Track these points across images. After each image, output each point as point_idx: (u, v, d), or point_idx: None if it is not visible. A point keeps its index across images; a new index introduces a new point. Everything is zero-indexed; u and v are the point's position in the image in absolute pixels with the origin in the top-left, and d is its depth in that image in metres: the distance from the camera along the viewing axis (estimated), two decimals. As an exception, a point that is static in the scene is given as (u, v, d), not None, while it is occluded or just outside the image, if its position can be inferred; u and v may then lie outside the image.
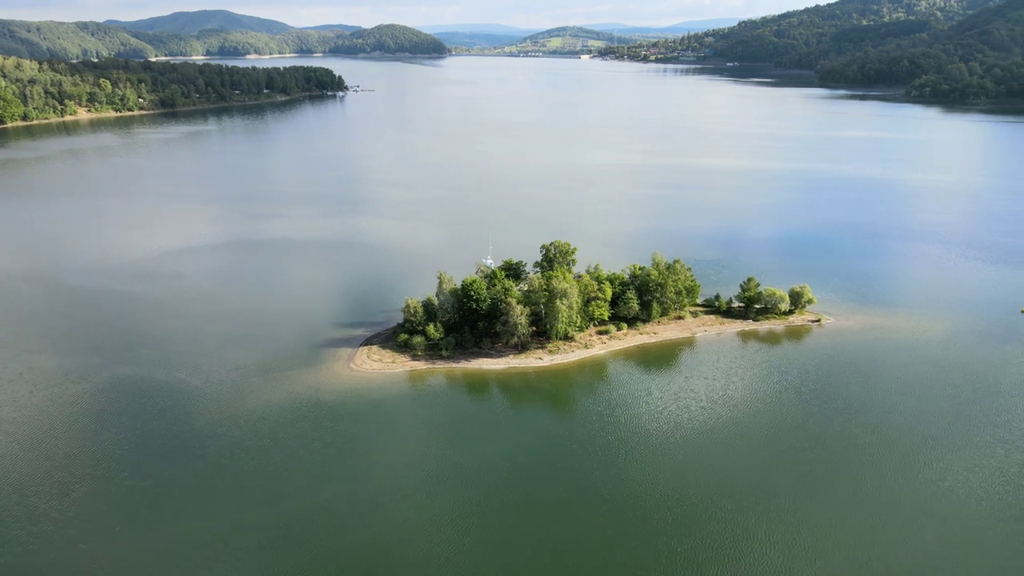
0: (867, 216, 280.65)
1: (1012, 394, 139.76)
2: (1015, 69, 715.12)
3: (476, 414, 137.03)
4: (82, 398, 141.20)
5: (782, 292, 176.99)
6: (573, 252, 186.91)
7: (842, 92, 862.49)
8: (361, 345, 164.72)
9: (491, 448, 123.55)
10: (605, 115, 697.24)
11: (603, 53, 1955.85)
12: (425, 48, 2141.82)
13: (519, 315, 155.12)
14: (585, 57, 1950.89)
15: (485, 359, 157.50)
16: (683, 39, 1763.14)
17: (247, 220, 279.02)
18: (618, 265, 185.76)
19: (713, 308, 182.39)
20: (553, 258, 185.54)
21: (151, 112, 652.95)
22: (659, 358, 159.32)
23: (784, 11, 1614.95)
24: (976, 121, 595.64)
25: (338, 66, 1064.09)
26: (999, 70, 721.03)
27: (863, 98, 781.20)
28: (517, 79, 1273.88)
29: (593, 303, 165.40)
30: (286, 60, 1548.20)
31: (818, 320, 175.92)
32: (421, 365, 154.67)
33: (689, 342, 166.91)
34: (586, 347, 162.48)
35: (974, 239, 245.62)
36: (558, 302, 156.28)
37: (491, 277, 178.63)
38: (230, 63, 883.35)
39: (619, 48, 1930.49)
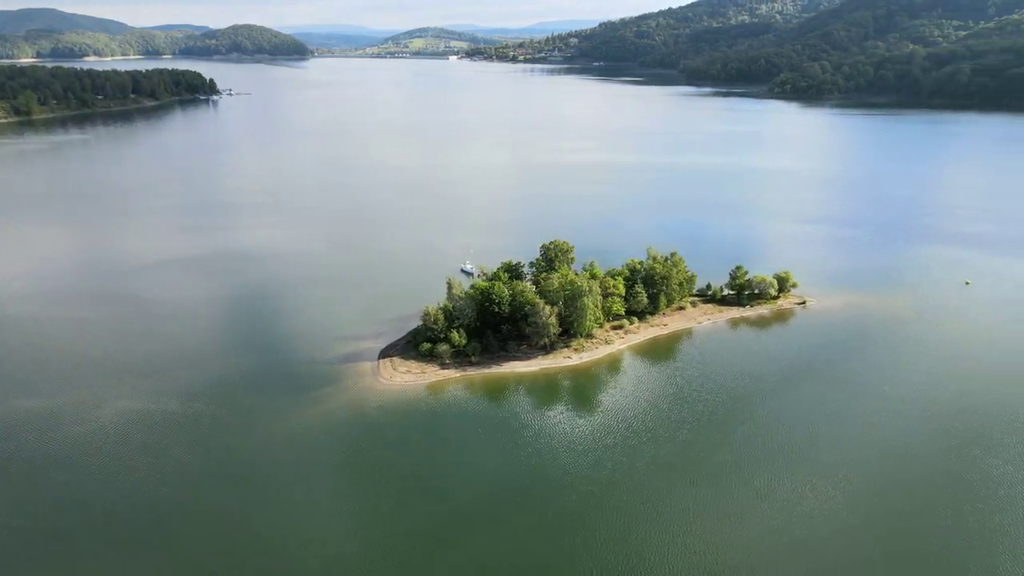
0: (797, 206, 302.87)
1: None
2: (860, 67, 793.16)
3: (539, 419, 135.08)
4: (90, 441, 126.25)
5: (771, 278, 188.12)
6: (571, 251, 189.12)
7: (709, 90, 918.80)
8: (380, 358, 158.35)
9: (573, 454, 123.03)
10: (506, 115, 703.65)
11: (471, 54, 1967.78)
12: (285, 50, 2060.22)
13: (549, 315, 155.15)
14: (454, 58, 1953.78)
15: (515, 362, 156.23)
16: (548, 39, 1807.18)
17: (184, 233, 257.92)
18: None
19: (708, 297, 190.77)
20: (553, 257, 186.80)
21: (2, 121, 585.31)
22: (681, 348, 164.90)
23: (640, 13, 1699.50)
24: (836, 115, 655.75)
25: (197, 69, 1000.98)
26: (847, 68, 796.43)
27: (732, 95, 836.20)
28: (395, 80, 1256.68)
29: (609, 299, 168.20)
30: (131, 63, 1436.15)
31: (803, 302, 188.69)
32: (454, 373, 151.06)
33: (699, 331, 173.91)
34: (607, 343, 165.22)
35: (893, 222, 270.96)
36: (585, 299, 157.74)
37: (493, 279, 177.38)
38: (67, 66, 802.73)
39: (487, 49, 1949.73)
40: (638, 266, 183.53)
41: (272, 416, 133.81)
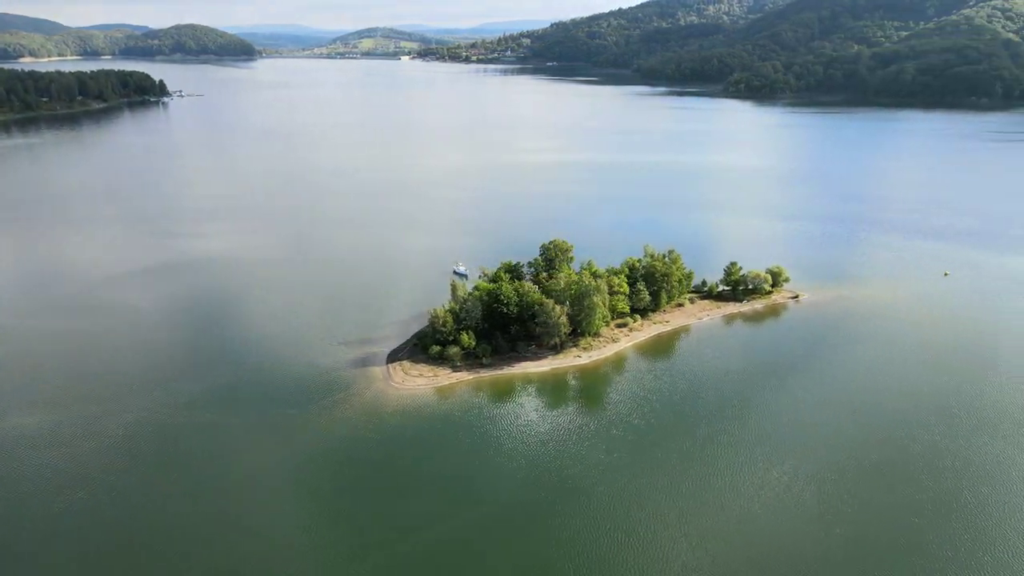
0: (776, 203, 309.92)
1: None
2: (810, 67, 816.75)
3: (560, 419, 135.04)
4: (100, 456, 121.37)
5: (765, 274, 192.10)
6: (571, 250, 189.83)
7: (664, 89, 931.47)
8: (389, 362, 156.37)
9: (600, 453, 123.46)
10: (468, 115, 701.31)
11: (423, 54, 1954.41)
12: (232, 50, 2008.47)
13: (559, 315, 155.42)
14: (406, 58, 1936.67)
15: (525, 363, 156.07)
16: (501, 40, 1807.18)
17: (156, 240, 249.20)
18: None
19: (704, 294, 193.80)
20: (553, 257, 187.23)
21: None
22: (686, 345, 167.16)
23: (591, 14, 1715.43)
24: (790, 113, 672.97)
25: (141, 70, 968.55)
26: (797, 67, 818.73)
27: (688, 94, 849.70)
28: (350, 80, 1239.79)
29: (614, 297, 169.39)
30: (69, 63, 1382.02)
31: (796, 296, 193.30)
32: (466, 376, 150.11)
33: (700, 327, 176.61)
34: (614, 341, 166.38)
35: (867, 217, 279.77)
36: (595, 298, 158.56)
37: (495, 280, 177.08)
38: (6, 67, 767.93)
39: (439, 49, 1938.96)
40: (637, 264, 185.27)
41: (288, 424, 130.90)
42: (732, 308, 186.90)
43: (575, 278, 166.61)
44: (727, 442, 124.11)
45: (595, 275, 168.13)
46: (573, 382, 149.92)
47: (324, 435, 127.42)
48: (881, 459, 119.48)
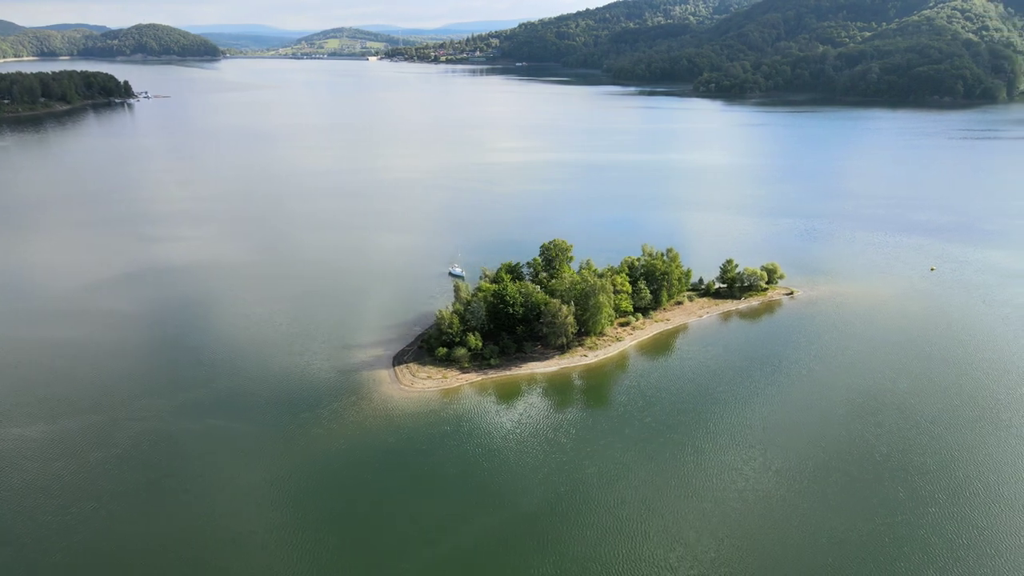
0: (763, 201, 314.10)
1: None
2: (778, 66, 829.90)
3: (573, 418, 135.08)
4: (109, 466, 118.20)
5: (760, 271, 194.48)
6: (570, 250, 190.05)
7: (635, 89, 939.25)
8: (395, 364, 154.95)
9: (617, 451, 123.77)
10: (444, 115, 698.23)
11: (391, 55, 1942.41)
12: (195, 50, 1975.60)
13: (566, 315, 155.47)
14: (373, 59, 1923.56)
15: (533, 363, 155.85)
16: (470, 40, 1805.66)
17: (142, 245, 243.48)
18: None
19: (702, 291, 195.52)
20: (553, 257, 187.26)
21: None
22: (689, 342, 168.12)
23: (559, 14, 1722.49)
24: (762, 112, 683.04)
25: (102, 71, 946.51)
26: (766, 67, 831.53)
27: (659, 94, 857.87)
28: (318, 81, 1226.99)
29: (618, 296, 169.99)
30: (26, 64, 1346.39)
31: (791, 293, 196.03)
32: (475, 377, 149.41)
33: (701, 325, 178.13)
34: (618, 340, 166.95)
35: (850, 213, 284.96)
36: (601, 297, 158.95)
37: (496, 281, 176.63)
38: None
39: (407, 49, 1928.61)
40: (636, 263, 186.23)
41: (301, 429, 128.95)
42: (730, 305, 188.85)
43: (577, 278, 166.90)
44: (743, 442, 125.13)
45: (599, 275, 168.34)
46: (582, 382, 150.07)
47: (339, 439, 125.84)
48: (891, 451, 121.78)
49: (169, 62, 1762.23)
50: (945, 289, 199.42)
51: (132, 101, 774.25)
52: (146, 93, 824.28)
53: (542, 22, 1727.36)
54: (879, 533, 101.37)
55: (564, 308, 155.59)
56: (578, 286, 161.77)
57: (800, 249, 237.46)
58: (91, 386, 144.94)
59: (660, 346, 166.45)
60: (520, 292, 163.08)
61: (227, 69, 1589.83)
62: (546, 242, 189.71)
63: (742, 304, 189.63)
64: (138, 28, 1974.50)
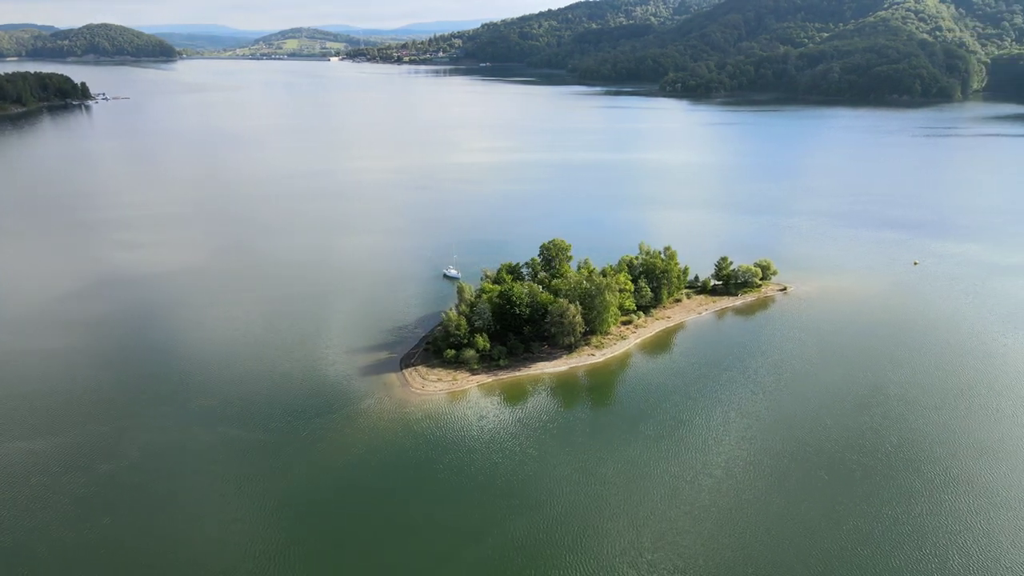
0: (745, 198, 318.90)
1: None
2: (742, 66, 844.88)
3: (590, 416, 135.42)
4: (121, 478, 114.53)
5: (755, 267, 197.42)
6: (569, 249, 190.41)
7: (602, 89, 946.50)
8: (402, 368, 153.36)
9: (638, 448, 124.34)
10: (414, 115, 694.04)
11: (353, 55, 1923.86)
12: (150, 51, 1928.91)
13: (575, 315, 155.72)
14: (335, 59, 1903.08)
15: (541, 363, 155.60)
16: (433, 40, 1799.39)
17: (117, 251, 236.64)
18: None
19: (699, 289, 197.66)
20: (552, 256, 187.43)
21: None
22: (692, 339, 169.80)
23: (521, 15, 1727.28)
24: (729, 111, 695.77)
25: (56, 71, 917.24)
26: (730, 67, 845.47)
27: (626, 94, 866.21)
28: (281, 82, 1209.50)
29: (622, 294, 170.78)
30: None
31: (784, 289, 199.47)
32: (486, 378, 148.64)
33: (701, 322, 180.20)
34: (622, 338, 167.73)
35: (830, 210, 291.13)
36: (607, 296, 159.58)
37: (498, 282, 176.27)
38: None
39: (370, 50, 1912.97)
40: (634, 261, 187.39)
41: (317, 435, 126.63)
42: (727, 302, 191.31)
43: (578, 277, 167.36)
44: (760, 435, 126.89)
45: (603, 273, 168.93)
46: (593, 381, 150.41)
47: (357, 445, 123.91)
48: (901, 440, 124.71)
49: (123, 63, 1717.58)
50: (930, 282, 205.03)
51: (90, 103, 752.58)
52: (104, 94, 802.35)
53: (505, 22, 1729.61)
54: (899, 520, 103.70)
55: (572, 307, 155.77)
56: (583, 285, 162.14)
57: (786, 246, 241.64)
58: (91, 396, 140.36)
59: (665, 343, 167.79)
60: (526, 292, 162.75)
61: (185, 70, 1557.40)
62: (545, 242, 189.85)
63: (738, 301, 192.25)
64: (90, 28, 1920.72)
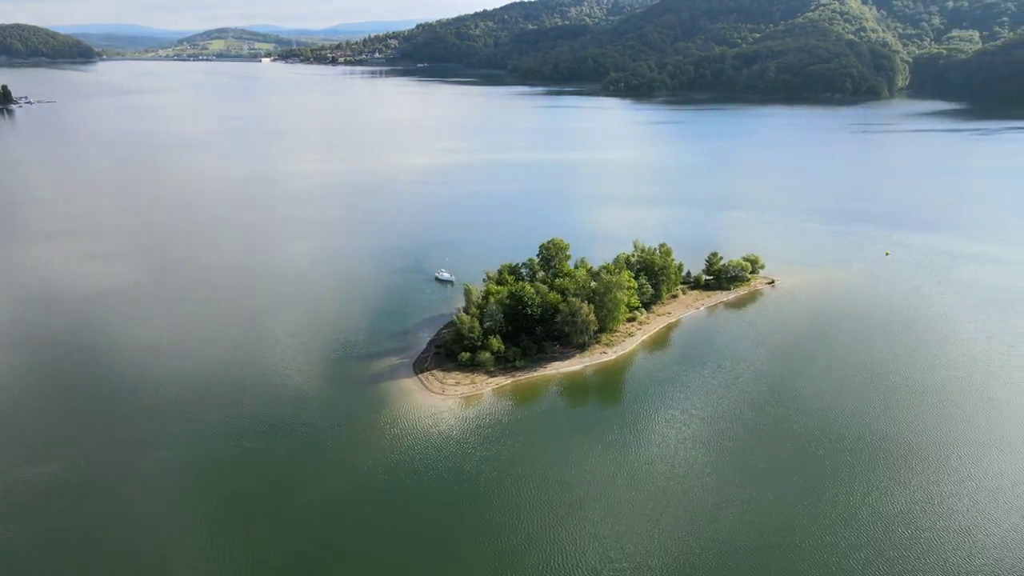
0: (721, 196, 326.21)
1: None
2: (682, 66, 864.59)
3: (619, 413, 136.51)
4: (149, 502, 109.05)
5: (744, 262, 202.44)
6: (567, 248, 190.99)
7: (544, 89, 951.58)
8: (416, 372, 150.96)
9: (670, 444, 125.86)
10: (360, 118, 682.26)
11: (285, 56, 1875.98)
12: (67, 52, 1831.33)
13: (588, 314, 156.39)
14: (266, 60, 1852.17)
15: (556, 363, 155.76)
16: (368, 41, 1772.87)
17: (91, 262, 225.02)
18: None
19: (692, 284, 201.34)
20: (552, 256, 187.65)
21: None
22: (697, 333, 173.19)
23: (456, 15, 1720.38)
24: (673, 111, 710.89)
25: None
26: (671, 67, 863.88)
27: (568, 93, 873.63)
28: (213, 83, 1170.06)
29: (628, 291, 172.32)
30: None
31: (772, 282, 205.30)
32: (504, 380, 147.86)
33: (701, 316, 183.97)
34: (630, 335, 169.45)
35: (799, 206, 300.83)
36: (617, 293, 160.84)
37: (501, 283, 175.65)
38: None
39: (303, 51, 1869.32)
40: (631, 258, 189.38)
41: (346, 444, 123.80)
42: (721, 296, 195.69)
43: (586, 276, 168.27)
44: (781, 424, 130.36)
45: (609, 271, 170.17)
46: (610, 378, 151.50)
47: (388, 451, 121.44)
48: (905, 432, 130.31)
49: (38, 64, 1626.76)
50: (902, 271, 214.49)
51: (12, 107, 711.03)
52: (27, 98, 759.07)
53: (441, 23, 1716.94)
54: (919, 501, 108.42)
55: (585, 306, 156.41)
56: (591, 283, 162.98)
57: (762, 240, 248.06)
58: (92, 416, 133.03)
59: (671, 339, 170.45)
60: (535, 292, 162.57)
61: (107, 71, 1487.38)
62: (544, 242, 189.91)
63: (731, 295, 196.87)
64: (1, 28, 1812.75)
